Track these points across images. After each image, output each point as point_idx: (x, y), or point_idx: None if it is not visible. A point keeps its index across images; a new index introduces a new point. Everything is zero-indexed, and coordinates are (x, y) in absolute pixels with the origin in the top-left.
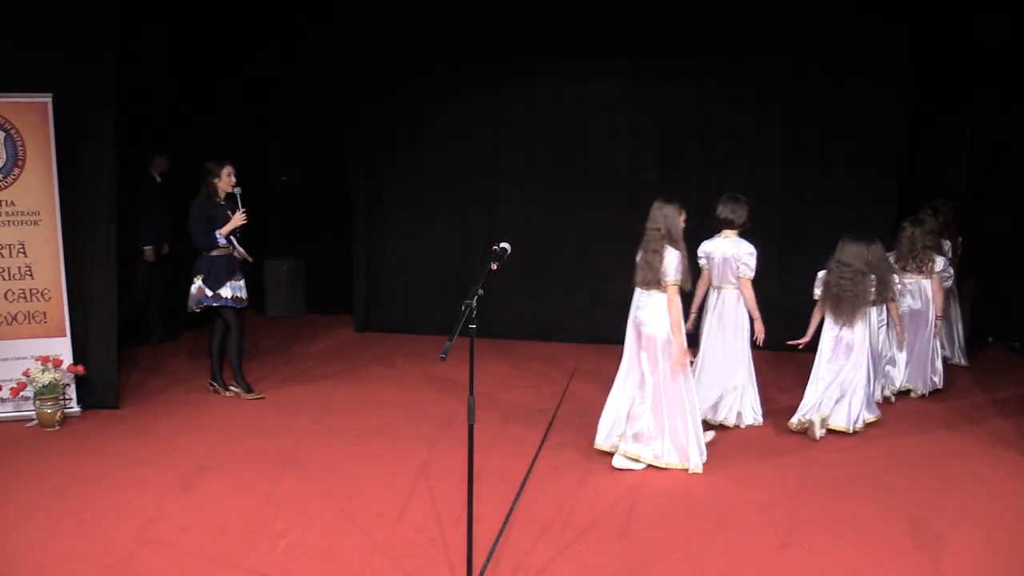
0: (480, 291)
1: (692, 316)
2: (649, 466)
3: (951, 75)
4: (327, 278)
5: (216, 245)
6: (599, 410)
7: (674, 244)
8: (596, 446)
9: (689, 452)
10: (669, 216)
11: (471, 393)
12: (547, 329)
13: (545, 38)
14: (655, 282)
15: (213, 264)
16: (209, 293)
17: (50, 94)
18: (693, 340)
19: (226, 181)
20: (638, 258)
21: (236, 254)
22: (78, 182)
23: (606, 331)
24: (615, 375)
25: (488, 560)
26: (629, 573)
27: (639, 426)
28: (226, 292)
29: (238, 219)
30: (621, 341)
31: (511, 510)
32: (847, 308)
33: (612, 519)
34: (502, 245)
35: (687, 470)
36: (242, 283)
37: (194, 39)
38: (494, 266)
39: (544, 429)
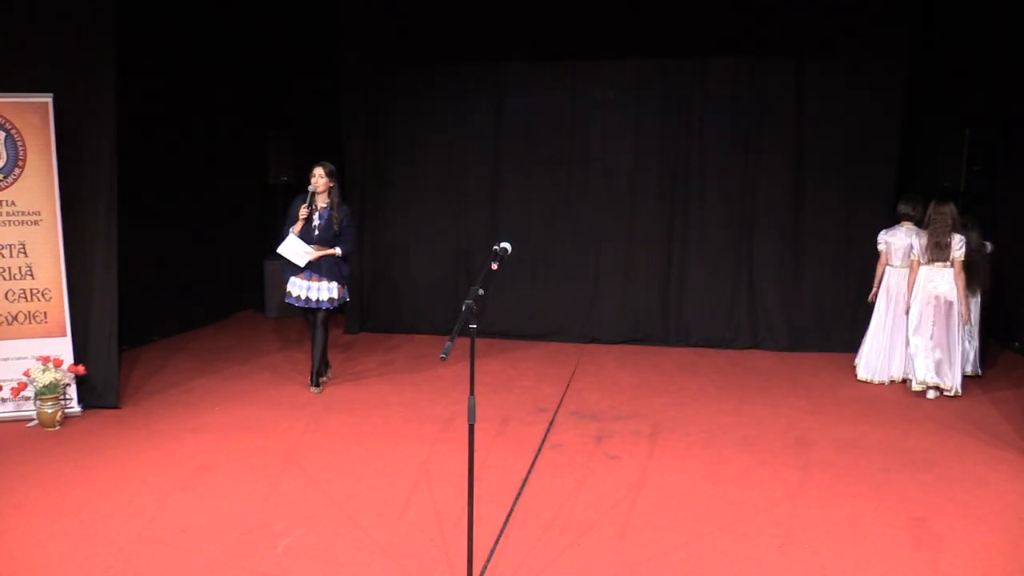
0: (480, 291)
1: (874, 291)
2: (938, 389)
3: (951, 74)
4: None
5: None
6: (599, 409)
7: (956, 231)
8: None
9: (957, 379)
10: (953, 211)
11: (471, 393)
12: (547, 329)
13: (545, 38)
14: (946, 259)
15: (286, 261)
16: (285, 288)
17: (50, 94)
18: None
19: (311, 180)
20: (923, 243)
21: (306, 252)
22: (78, 182)
23: (606, 331)
24: (615, 375)
25: (488, 560)
26: (630, 573)
27: (937, 364)
28: (289, 287)
29: (301, 215)
30: (621, 341)
31: (511, 510)
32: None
33: (612, 519)
34: (502, 245)
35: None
36: (320, 284)
37: (192, 40)
38: (494, 266)
39: (544, 429)
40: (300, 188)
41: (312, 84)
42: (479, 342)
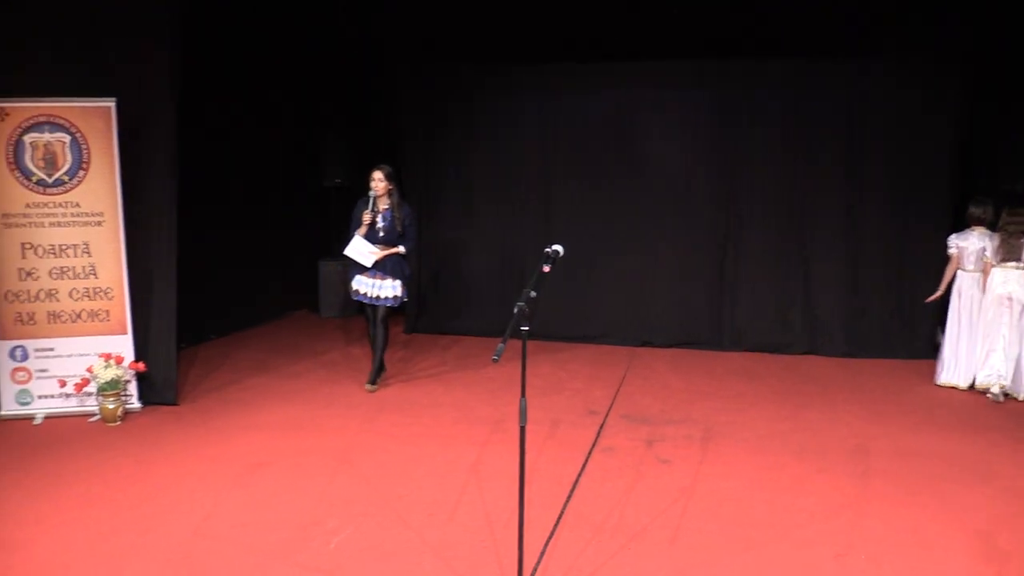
0: (532, 293)
1: (938, 294)
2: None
3: (1009, 74)
4: None
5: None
6: (651, 413)
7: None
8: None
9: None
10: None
11: (523, 395)
12: (598, 332)
13: (595, 39)
14: (1018, 258)
15: (351, 261)
16: (350, 285)
17: (114, 98)
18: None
19: (371, 184)
20: (995, 244)
21: (371, 252)
22: (140, 183)
23: (657, 334)
24: (666, 378)
25: (539, 562)
26: None
27: (1007, 366)
28: (355, 285)
29: (365, 218)
30: (672, 344)
31: (562, 512)
32: None
33: (663, 524)
34: (554, 247)
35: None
36: (384, 282)
37: (250, 45)
38: (546, 268)
39: (595, 432)
40: (354, 190)
41: (364, 89)
42: (530, 344)
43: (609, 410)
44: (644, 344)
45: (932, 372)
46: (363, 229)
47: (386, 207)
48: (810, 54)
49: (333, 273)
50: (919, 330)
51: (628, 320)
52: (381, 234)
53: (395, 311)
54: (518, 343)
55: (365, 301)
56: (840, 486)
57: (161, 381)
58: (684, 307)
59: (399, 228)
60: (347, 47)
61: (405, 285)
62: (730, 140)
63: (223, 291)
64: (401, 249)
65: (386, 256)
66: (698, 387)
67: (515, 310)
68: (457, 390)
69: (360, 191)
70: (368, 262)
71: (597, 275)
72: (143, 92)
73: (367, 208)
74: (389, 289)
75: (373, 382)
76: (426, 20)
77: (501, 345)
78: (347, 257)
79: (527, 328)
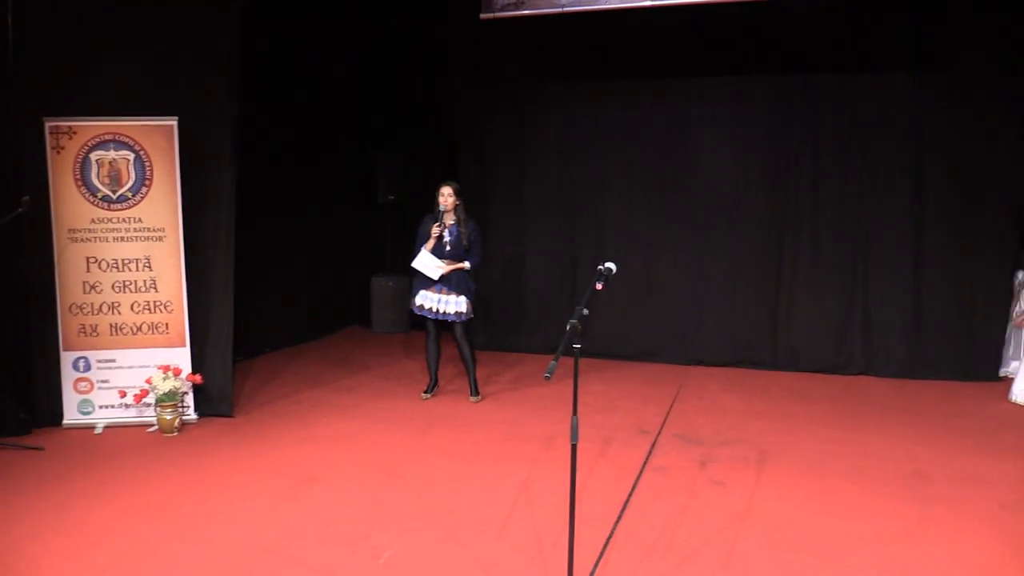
0: (585, 311)
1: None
2: None
3: None
4: None
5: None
6: (704, 433)
7: None
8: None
9: None
10: None
11: (574, 413)
12: (650, 350)
13: (647, 57)
14: None
15: (418, 274)
16: (412, 300)
17: (175, 117)
18: None
19: (439, 199)
20: None
21: (438, 266)
22: (200, 199)
23: (710, 353)
24: (720, 398)
25: None
26: None
27: None
28: (419, 300)
29: (433, 233)
30: (726, 363)
31: (612, 532)
32: None
33: (716, 546)
34: (607, 265)
35: None
36: (450, 297)
37: (308, 65)
38: (599, 286)
39: (647, 451)
40: (407, 208)
41: (419, 107)
42: (582, 362)
43: (661, 429)
44: (696, 363)
45: (993, 395)
46: (431, 243)
47: (452, 222)
48: (867, 67)
49: (385, 289)
50: (980, 351)
51: (680, 338)
52: (448, 249)
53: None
54: (570, 361)
55: (429, 316)
56: (897, 512)
57: (217, 393)
58: (737, 326)
59: (465, 243)
60: (402, 66)
61: (470, 301)
62: (784, 156)
63: (278, 306)
64: (467, 264)
65: (452, 271)
66: (752, 408)
67: (567, 328)
68: (509, 406)
69: (413, 208)
70: (435, 275)
71: (649, 293)
72: (205, 111)
73: (436, 222)
74: (454, 304)
75: (476, 392)
76: (482, 41)
77: (553, 363)
78: (414, 270)
79: (579, 346)
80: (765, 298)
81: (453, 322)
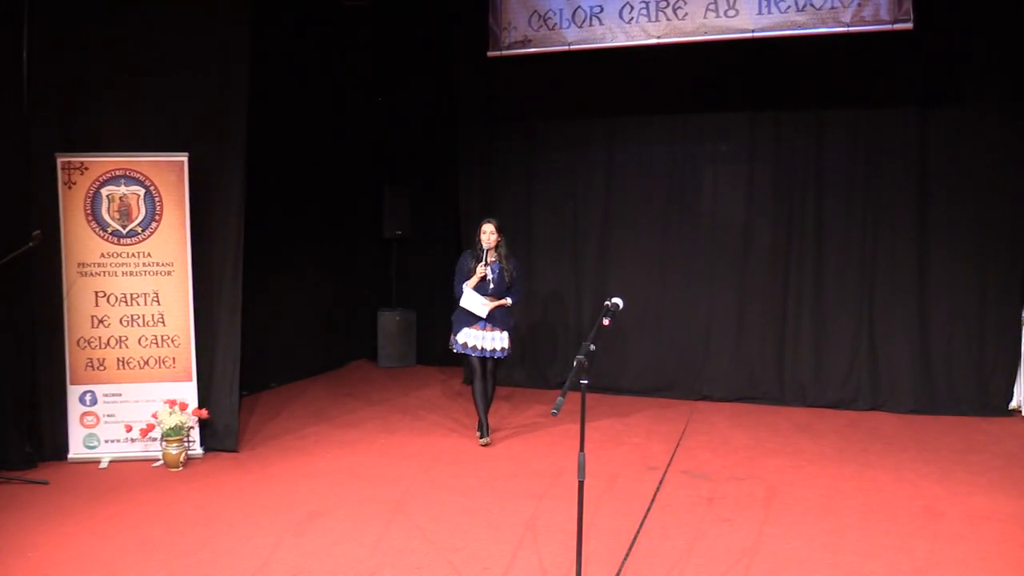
0: (592, 346)
1: None
2: None
3: None
4: (438, 329)
5: (462, 294)
6: (711, 469)
7: None
8: None
9: None
10: None
11: (581, 449)
12: (657, 385)
13: (655, 92)
14: None
15: (459, 313)
16: (453, 338)
17: (186, 154)
18: None
19: (481, 237)
20: None
21: (483, 304)
22: (209, 235)
23: (718, 388)
24: (727, 433)
25: None
26: None
27: None
28: (462, 338)
29: (476, 272)
30: (733, 398)
31: (619, 570)
32: None
33: None
34: (614, 300)
35: None
36: (494, 334)
37: (311, 95)
38: (606, 322)
39: (654, 488)
40: (413, 241)
41: (426, 143)
42: (589, 397)
43: (668, 465)
44: (703, 398)
45: (1005, 429)
46: (474, 280)
47: (494, 259)
48: (875, 102)
49: (392, 323)
50: (991, 386)
51: (687, 373)
52: (491, 286)
53: (456, 359)
54: (577, 396)
55: (474, 355)
56: (908, 550)
57: (223, 428)
58: (745, 361)
59: (508, 280)
60: (412, 102)
61: (511, 337)
62: (792, 191)
63: (284, 340)
64: (509, 301)
65: (496, 307)
66: (760, 443)
67: (574, 363)
68: (514, 442)
69: (422, 242)
70: (483, 313)
71: (656, 327)
72: (215, 147)
73: (478, 261)
74: (499, 341)
75: (486, 434)
76: (490, 75)
77: (560, 398)
78: (462, 309)
79: (586, 381)
80: (772, 332)
81: (492, 358)
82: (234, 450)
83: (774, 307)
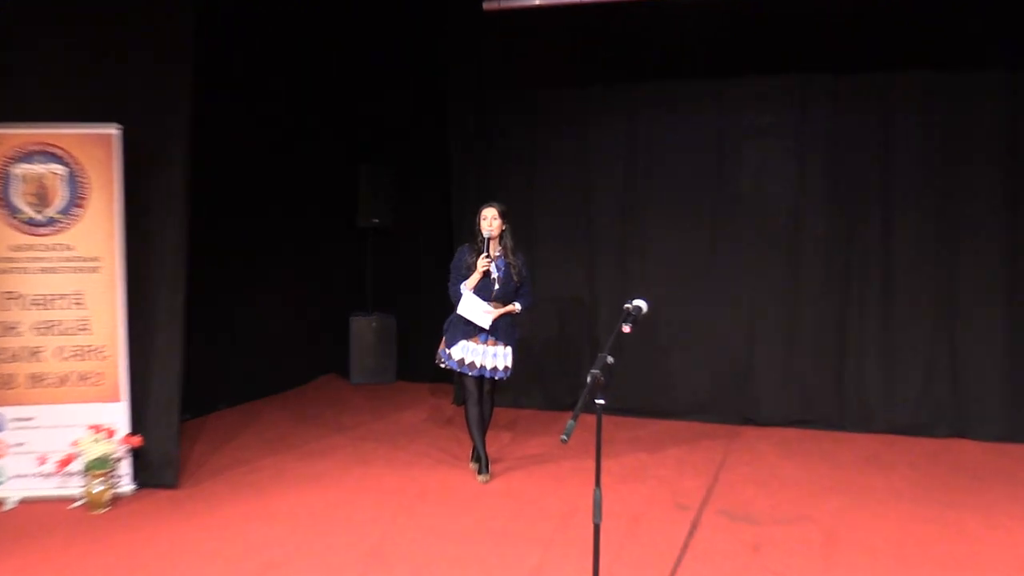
0: (609, 359)
1: None
2: None
3: None
4: (424, 338)
5: (460, 297)
6: (756, 509)
7: None
8: None
9: None
10: None
11: (597, 484)
12: (689, 406)
13: (685, 53)
14: None
15: (454, 321)
16: (444, 350)
17: (118, 125)
18: None
19: (482, 224)
20: None
21: (486, 312)
22: (145, 224)
23: (763, 410)
24: (776, 465)
25: None
26: None
27: None
28: (458, 353)
29: (477, 267)
30: (782, 423)
31: None
32: None
33: None
34: (636, 303)
35: None
36: (496, 349)
37: (274, 63)
38: (627, 328)
39: (686, 532)
40: (395, 231)
41: (410, 116)
42: (606, 420)
43: (703, 504)
44: (747, 422)
45: None
46: (474, 281)
47: (498, 254)
48: (960, 62)
49: (367, 331)
50: None
51: (727, 392)
52: (496, 288)
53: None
54: (591, 419)
55: (472, 373)
56: None
57: (159, 459)
58: (797, 377)
59: (516, 280)
60: (393, 67)
61: (515, 353)
62: (854, 172)
63: (236, 353)
64: (517, 307)
65: (500, 316)
66: (816, 478)
67: (588, 379)
68: (515, 476)
69: (405, 233)
70: (486, 323)
71: (688, 336)
72: (154, 114)
73: (479, 254)
74: (502, 358)
75: (486, 470)
76: (488, 39)
77: (571, 422)
78: (457, 316)
79: (603, 401)
80: (830, 342)
81: (491, 378)
82: (173, 486)
83: (832, 311)
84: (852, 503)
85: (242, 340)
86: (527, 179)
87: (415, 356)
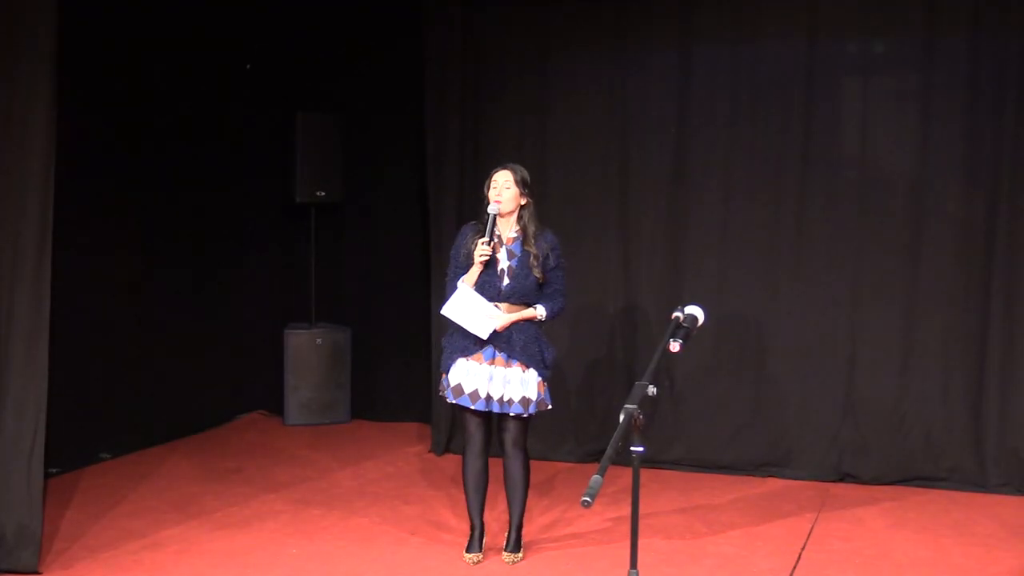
0: (651, 389)
1: None
2: None
3: None
4: (387, 360)
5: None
6: None
7: None
8: None
9: None
10: None
11: (633, 566)
12: (763, 457)
13: None
14: None
15: (454, 332)
16: (445, 379)
17: None
18: None
19: (489, 194)
20: None
21: (489, 315)
22: None
23: (867, 462)
24: (883, 538)
25: None
26: None
27: None
28: (455, 377)
29: (477, 255)
30: (894, 480)
31: None
32: None
33: None
34: (689, 310)
35: None
36: (510, 372)
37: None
38: (675, 347)
39: None
40: (348, 210)
41: (368, 48)
42: (647, 475)
43: None
44: (844, 478)
45: None
46: (475, 272)
47: (514, 235)
48: None
49: (308, 349)
50: None
51: (816, 437)
52: (504, 283)
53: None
54: (625, 472)
55: (474, 407)
56: None
57: (13, 532)
58: (914, 415)
59: (538, 273)
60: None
61: (544, 379)
62: (997, 133)
63: (125, 383)
64: (539, 312)
65: (512, 323)
66: (944, 557)
67: (621, 417)
68: (524, 553)
69: (363, 212)
70: (484, 332)
71: (762, 358)
72: (9, 70)
73: (484, 236)
74: (518, 385)
75: (516, 548)
76: None
77: (597, 477)
78: (452, 324)
79: (641, 449)
80: (963, 368)
81: (507, 416)
82: (34, 572)
83: (966, 325)
84: None
85: (134, 364)
86: (535, 132)
87: (378, 384)
